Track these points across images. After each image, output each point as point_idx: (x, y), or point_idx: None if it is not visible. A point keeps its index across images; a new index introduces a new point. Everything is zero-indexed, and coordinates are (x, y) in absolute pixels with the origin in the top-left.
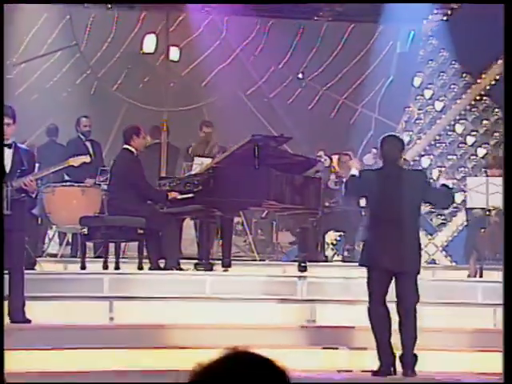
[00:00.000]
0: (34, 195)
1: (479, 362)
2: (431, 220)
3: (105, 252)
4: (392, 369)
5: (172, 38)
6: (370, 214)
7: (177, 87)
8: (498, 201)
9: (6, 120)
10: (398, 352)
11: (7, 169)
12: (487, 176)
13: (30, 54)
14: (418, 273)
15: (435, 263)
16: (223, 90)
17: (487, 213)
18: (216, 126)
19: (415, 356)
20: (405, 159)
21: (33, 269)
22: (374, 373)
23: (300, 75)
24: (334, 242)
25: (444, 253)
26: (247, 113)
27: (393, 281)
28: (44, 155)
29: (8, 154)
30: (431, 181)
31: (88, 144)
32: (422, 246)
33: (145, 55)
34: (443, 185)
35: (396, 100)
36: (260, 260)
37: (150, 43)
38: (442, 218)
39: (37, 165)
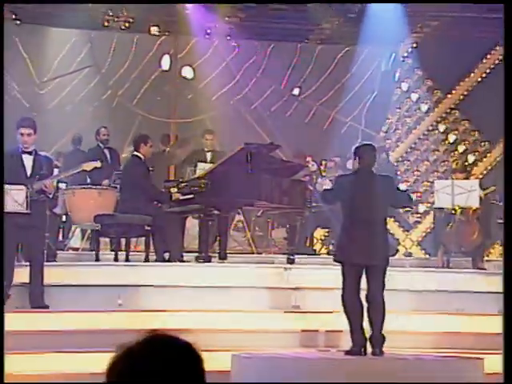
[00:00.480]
0: (51, 196)
1: (441, 341)
2: (408, 218)
3: (116, 246)
4: (362, 350)
5: (185, 59)
6: (344, 215)
7: (183, 102)
8: (462, 201)
9: (28, 131)
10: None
11: (28, 173)
12: (453, 179)
13: (60, 73)
14: (387, 266)
15: (411, 255)
16: (226, 105)
17: (453, 211)
18: (218, 135)
19: (383, 337)
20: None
21: (54, 260)
22: (347, 352)
23: (296, 91)
24: (323, 238)
25: (419, 247)
26: (249, 125)
27: None
28: (69, 161)
29: (29, 160)
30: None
31: (106, 151)
32: (400, 241)
33: (158, 74)
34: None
35: (378, 112)
36: (257, 253)
37: (165, 62)
38: (417, 216)
39: (56, 170)
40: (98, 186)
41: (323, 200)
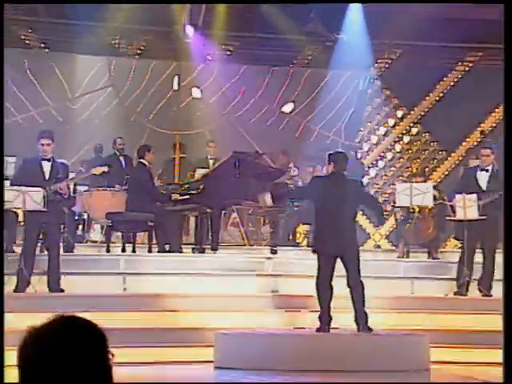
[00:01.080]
0: (66, 196)
1: (400, 320)
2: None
3: (124, 239)
4: (327, 327)
5: (191, 82)
6: (316, 212)
7: (185, 116)
8: (419, 201)
9: (47, 141)
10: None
11: (46, 177)
12: (412, 182)
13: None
14: (358, 254)
15: (379, 247)
16: (222, 119)
17: (411, 210)
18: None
19: (366, 314)
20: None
21: (72, 252)
22: (317, 329)
23: (289, 107)
24: (305, 232)
25: (386, 240)
26: (243, 137)
27: None
28: (90, 167)
29: (47, 166)
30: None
31: (121, 158)
32: (371, 235)
33: (167, 94)
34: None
35: (353, 126)
36: (249, 245)
37: (175, 85)
38: (386, 213)
39: (71, 173)
40: (111, 188)
41: (295, 195)
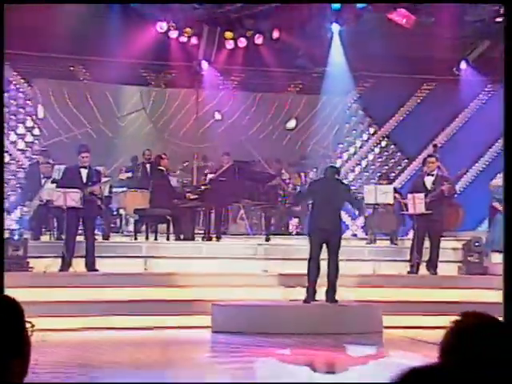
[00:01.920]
0: (99, 196)
1: (364, 294)
2: (355, 211)
3: (146, 229)
4: (312, 299)
5: (208, 105)
6: (313, 206)
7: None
8: (383, 199)
9: (85, 154)
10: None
11: (84, 181)
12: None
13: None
14: (340, 242)
15: (356, 236)
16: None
17: (376, 206)
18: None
19: (335, 291)
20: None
21: (107, 239)
22: (303, 301)
23: (292, 125)
24: (296, 224)
25: (362, 230)
26: (248, 149)
27: None
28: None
29: (84, 172)
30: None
31: (147, 166)
32: (349, 226)
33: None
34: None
35: (335, 140)
36: (253, 234)
37: (193, 108)
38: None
39: (104, 178)
40: (140, 190)
41: (296, 199)
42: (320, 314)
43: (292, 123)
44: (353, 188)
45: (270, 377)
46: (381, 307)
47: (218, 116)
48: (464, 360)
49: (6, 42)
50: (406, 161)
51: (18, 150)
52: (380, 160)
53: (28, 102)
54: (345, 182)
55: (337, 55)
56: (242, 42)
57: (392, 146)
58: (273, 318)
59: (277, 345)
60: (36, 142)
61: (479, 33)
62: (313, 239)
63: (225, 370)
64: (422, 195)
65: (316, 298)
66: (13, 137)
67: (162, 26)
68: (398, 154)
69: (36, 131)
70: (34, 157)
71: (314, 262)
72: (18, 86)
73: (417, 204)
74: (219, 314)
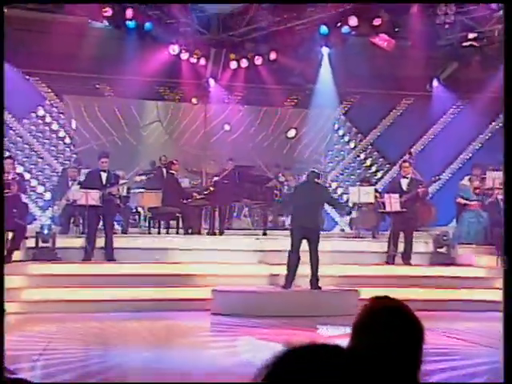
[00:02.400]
0: (117, 196)
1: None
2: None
3: (158, 225)
4: (289, 286)
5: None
6: (295, 206)
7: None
8: (365, 198)
9: (105, 159)
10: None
11: (103, 183)
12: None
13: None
14: (319, 238)
15: (344, 231)
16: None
17: (360, 205)
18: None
19: (317, 278)
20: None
21: (126, 233)
22: (282, 287)
23: (292, 134)
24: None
25: (348, 226)
26: (250, 155)
27: None
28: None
29: (104, 175)
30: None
31: (164, 170)
32: (338, 222)
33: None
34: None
35: (328, 147)
36: (254, 229)
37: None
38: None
39: (121, 180)
40: (155, 191)
41: (282, 208)
42: (304, 299)
43: (292, 133)
44: (340, 189)
45: (249, 351)
46: (356, 293)
47: (227, 127)
48: (372, 340)
49: (42, 65)
50: (388, 165)
51: (52, 156)
52: (365, 165)
53: (60, 115)
54: (325, 185)
55: (326, 74)
56: (244, 63)
57: (375, 153)
58: (263, 302)
59: (264, 325)
60: (67, 149)
61: (448, 55)
62: (294, 235)
63: (218, 344)
64: (397, 195)
65: (298, 284)
66: (47, 145)
67: (174, 49)
68: (381, 159)
69: (67, 140)
70: (65, 162)
71: (294, 254)
72: (51, 102)
73: (393, 203)
74: (218, 298)
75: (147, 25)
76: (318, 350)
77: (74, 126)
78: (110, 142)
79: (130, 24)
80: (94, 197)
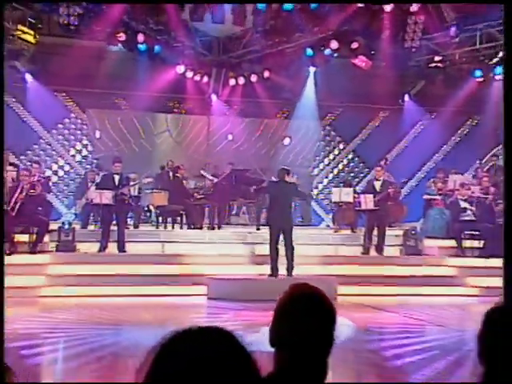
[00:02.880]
0: (128, 196)
1: (327, 269)
2: (327, 205)
3: (164, 221)
4: (276, 274)
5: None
6: (270, 202)
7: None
8: (345, 198)
9: (118, 164)
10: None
11: (116, 184)
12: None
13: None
14: (292, 229)
15: (329, 226)
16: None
17: (340, 204)
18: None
19: (292, 267)
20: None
21: (137, 228)
22: (268, 275)
23: (287, 141)
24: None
25: (331, 221)
26: (247, 160)
27: None
28: (156, 179)
29: (117, 177)
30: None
31: (170, 173)
32: (324, 218)
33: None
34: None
35: (315, 153)
36: (250, 225)
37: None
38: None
39: (132, 182)
40: (163, 191)
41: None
42: (287, 286)
43: (287, 140)
44: (327, 190)
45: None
46: (335, 279)
47: (230, 137)
48: (292, 326)
49: (67, 83)
50: (367, 169)
51: (76, 161)
52: (347, 169)
53: (84, 126)
54: (293, 181)
55: (311, 90)
56: (241, 80)
57: (356, 159)
58: (253, 288)
59: (252, 309)
60: (89, 155)
61: (417, 74)
62: (272, 229)
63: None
64: (371, 195)
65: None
66: (72, 151)
67: (180, 69)
68: (361, 164)
69: (89, 148)
70: (87, 167)
71: (273, 246)
72: (76, 115)
73: (367, 202)
74: (213, 284)
75: (156, 48)
76: (201, 332)
77: (97, 135)
78: (128, 149)
79: (142, 47)
80: (107, 196)
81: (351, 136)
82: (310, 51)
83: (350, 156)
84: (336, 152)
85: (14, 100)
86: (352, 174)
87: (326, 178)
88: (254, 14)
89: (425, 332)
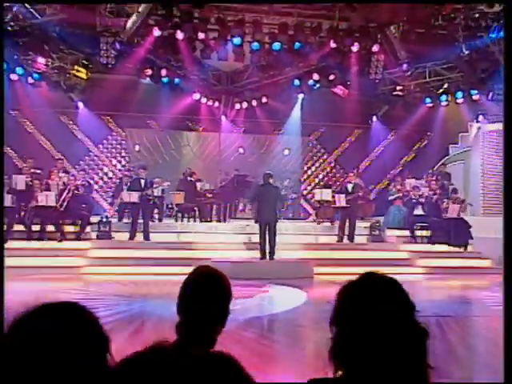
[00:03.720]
0: (153, 196)
1: (308, 254)
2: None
3: (181, 216)
4: (263, 257)
5: (226, 144)
6: (258, 203)
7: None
8: (326, 197)
9: (143, 171)
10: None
11: (142, 186)
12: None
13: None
14: (276, 225)
15: (315, 221)
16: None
17: (322, 202)
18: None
19: (274, 252)
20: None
21: (161, 222)
22: (260, 259)
23: (286, 152)
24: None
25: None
26: (250, 167)
27: None
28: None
29: (142, 181)
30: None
31: (187, 178)
32: (311, 213)
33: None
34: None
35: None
36: (250, 219)
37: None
38: (318, 203)
39: (155, 184)
40: (181, 192)
41: (250, 200)
42: (273, 267)
43: (286, 151)
44: (312, 191)
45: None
46: (313, 262)
47: (241, 150)
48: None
49: (109, 108)
50: (346, 175)
51: (117, 169)
52: (329, 175)
53: (123, 141)
54: (275, 184)
55: (297, 113)
56: (245, 105)
57: (337, 167)
58: (248, 268)
59: (245, 285)
60: (127, 165)
61: (382, 100)
62: (260, 225)
63: None
64: (343, 195)
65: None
66: (114, 161)
67: (196, 96)
68: (341, 171)
69: (127, 158)
70: (125, 173)
71: (262, 237)
72: (116, 133)
73: (340, 200)
74: (217, 266)
75: (176, 80)
76: (51, 308)
77: (137, 148)
78: (161, 158)
79: (165, 79)
80: (134, 196)
81: (332, 148)
82: (297, 81)
83: (332, 164)
84: (321, 161)
85: (70, 122)
86: (334, 179)
87: (312, 184)
88: (251, 53)
89: None
